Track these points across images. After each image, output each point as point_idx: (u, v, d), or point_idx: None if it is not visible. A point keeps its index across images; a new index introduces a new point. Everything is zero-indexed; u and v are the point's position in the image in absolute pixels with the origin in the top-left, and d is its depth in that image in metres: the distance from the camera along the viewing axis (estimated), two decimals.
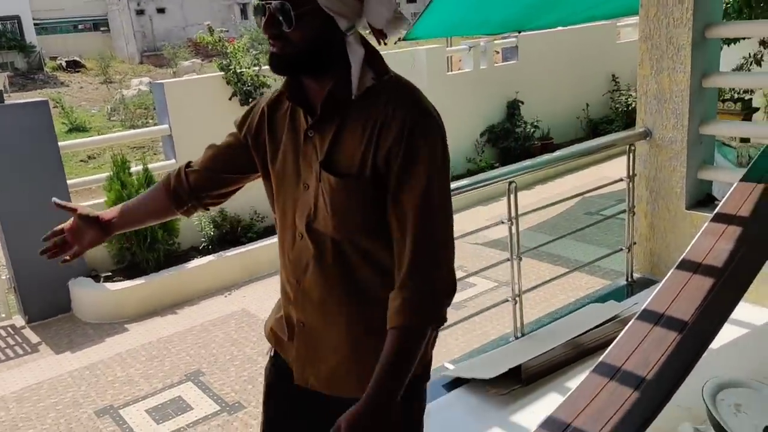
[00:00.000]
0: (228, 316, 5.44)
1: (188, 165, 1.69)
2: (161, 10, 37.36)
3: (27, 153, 5.42)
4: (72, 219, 1.63)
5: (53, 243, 1.62)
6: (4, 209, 5.35)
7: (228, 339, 5.01)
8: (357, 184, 1.34)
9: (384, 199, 1.34)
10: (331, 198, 1.36)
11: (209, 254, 6.15)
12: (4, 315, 5.70)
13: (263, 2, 1.33)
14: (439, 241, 1.34)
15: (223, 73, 6.72)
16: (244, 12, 35.45)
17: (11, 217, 5.35)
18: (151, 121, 17.49)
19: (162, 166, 6.41)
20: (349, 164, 1.35)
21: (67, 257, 1.62)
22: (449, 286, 1.36)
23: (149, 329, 5.27)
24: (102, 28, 39.15)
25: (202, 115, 6.43)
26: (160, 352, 4.80)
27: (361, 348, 1.42)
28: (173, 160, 6.38)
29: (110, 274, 5.84)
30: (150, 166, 6.14)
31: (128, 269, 5.87)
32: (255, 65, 6.77)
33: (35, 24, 31.90)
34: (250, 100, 6.47)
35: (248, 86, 6.67)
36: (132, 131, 10.39)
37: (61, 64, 30.36)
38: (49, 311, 5.59)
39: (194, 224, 6.21)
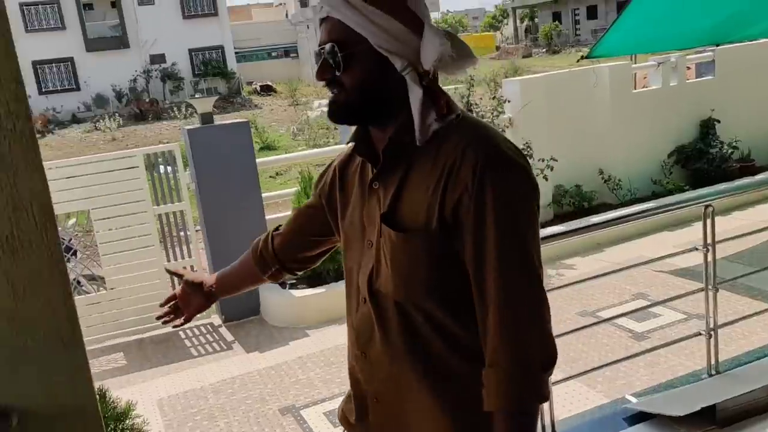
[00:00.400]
0: None
1: (276, 229, 1.65)
2: None
3: (230, 168, 5.99)
4: (181, 286, 1.71)
5: (168, 309, 1.72)
6: (209, 218, 5.95)
7: None
8: (421, 240, 1.20)
9: (454, 258, 1.20)
10: (392, 255, 1.23)
11: None
12: (205, 313, 6.33)
13: (317, 48, 1.27)
14: (527, 308, 1.16)
15: None
16: None
17: (215, 226, 5.93)
18: (332, 140, 18.58)
19: None
20: (413, 217, 1.21)
21: (179, 322, 1.71)
22: (547, 359, 1.16)
23: (327, 336, 5.56)
24: (292, 55, 42.40)
25: None
26: (337, 359, 5.05)
27: (451, 427, 1.25)
28: None
29: (295, 281, 6.27)
30: None
31: (311, 278, 6.25)
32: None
33: (236, 53, 35.37)
34: None
35: None
36: (317, 150, 11.09)
37: (255, 88, 33.37)
38: (242, 313, 6.11)
39: None
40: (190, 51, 33.36)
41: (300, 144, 18.54)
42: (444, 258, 1.20)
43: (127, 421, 2.88)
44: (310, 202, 1.56)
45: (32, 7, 32.21)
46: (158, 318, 1.72)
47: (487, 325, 1.17)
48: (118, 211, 5.73)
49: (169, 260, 6.05)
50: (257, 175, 6.16)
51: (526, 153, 4.46)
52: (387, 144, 1.25)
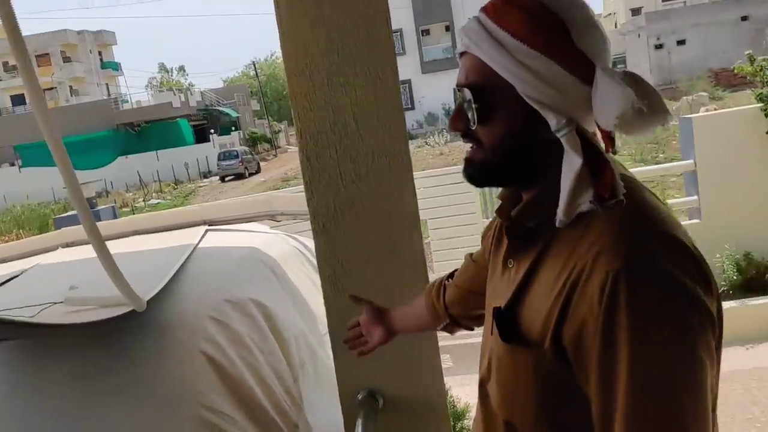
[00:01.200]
0: (748, 372, 4.90)
1: (451, 275, 1.45)
2: (681, 42, 36.44)
3: None
4: (365, 314, 1.62)
5: (354, 334, 1.64)
6: None
7: (748, 395, 4.51)
8: (528, 358, 0.94)
9: (573, 385, 0.91)
10: (498, 364, 1.01)
11: (729, 300, 5.67)
12: None
13: (456, 87, 1.01)
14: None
15: (762, 104, 6.13)
16: None
17: None
18: (661, 155, 17.21)
19: (683, 202, 6.26)
20: (527, 325, 0.95)
21: (363, 350, 1.61)
22: None
23: None
24: (619, 66, 40.39)
25: (730, 151, 6.01)
26: None
27: None
28: (695, 197, 6.13)
29: None
30: (670, 202, 6.05)
31: None
32: None
33: None
34: None
35: None
36: (654, 167, 10.34)
37: None
38: None
39: (715, 265, 5.82)
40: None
41: (625, 160, 17.59)
42: (559, 384, 0.93)
43: (465, 421, 3.04)
44: (477, 253, 1.37)
45: None
46: (344, 342, 1.66)
47: None
48: (450, 222, 6.16)
49: None
50: None
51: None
52: (517, 215, 1.00)
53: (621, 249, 0.86)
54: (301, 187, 2.08)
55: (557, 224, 0.92)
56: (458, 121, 1.00)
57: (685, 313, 0.84)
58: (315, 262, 3.04)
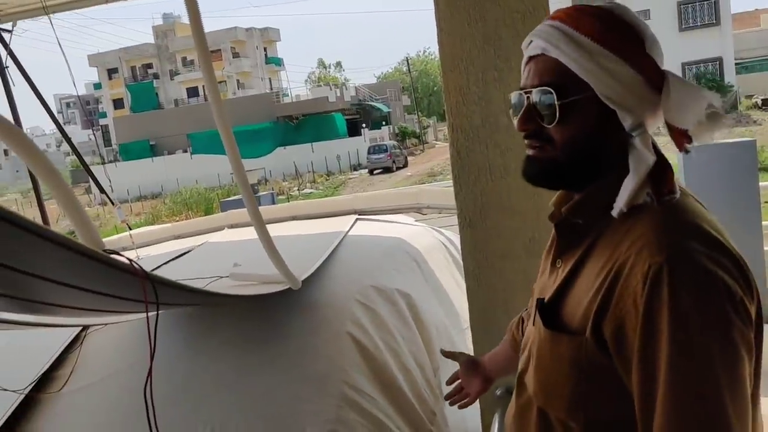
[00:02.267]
0: None
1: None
2: None
3: (726, 190, 5.53)
4: (460, 367, 1.58)
5: (455, 389, 1.59)
6: None
7: None
8: (568, 346, 0.96)
9: (612, 378, 0.92)
10: (538, 352, 1.04)
11: None
12: None
13: (520, 91, 1.02)
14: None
15: None
16: None
17: None
18: None
19: None
20: (570, 315, 0.98)
21: (465, 403, 1.56)
22: None
23: None
24: None
25: None
26: None
27: None
28: None
29: None
30: None
31: None
32: None
33: (736, 63, 32.29)
34: None
35: None
36: None
37: (756, 102, 29.84)
38: None
39: None
40: (684, 65, 31.89)
41: None
42: (595, 374, 0.95)
43: None
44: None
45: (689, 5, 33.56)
46: (446, 398, 1.63)
47: None
48: None
49: None
50: (758, 199, 5.52)
51: None
52: (570, 210, 1.03)
53: (663, 244, 0.88)
54: (448, 182, 2.11)
55: (614, 213, 0.96)
56: (528, 121, 1.01)
57: (725, 308, 0.85)
58: (458, 256, 3.08)
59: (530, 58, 1.03)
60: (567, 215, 1.04)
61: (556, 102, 0.97)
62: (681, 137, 0.98)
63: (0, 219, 0.89)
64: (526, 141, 1.04)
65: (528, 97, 1.00)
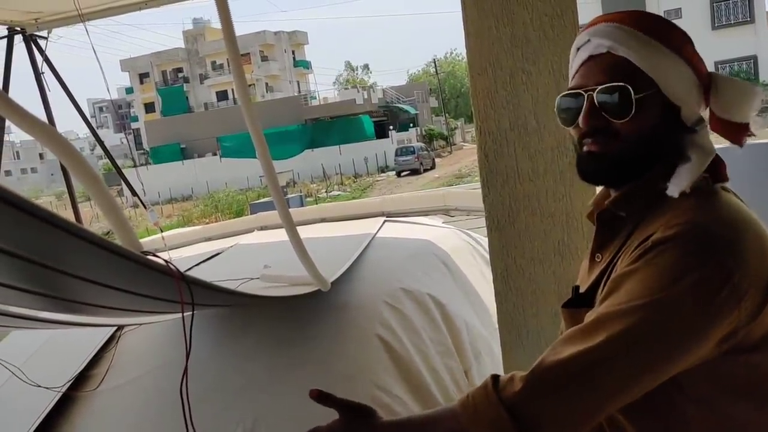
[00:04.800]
0: None
1: None
2: None
3: (753, 192, 5.42)
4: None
5: None
6: None
7: None
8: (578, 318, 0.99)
9: None
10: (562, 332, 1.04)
11: None
12: None
13: (581, 89, 1.04)
14: (587, 361, 0.89)
15: None
16: None
17: None
18: None
19: None
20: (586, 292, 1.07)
21: None
22: (520, 409, 0.90)
23: None
24: None
25: None
26: None
27: None
28: None
29: None
30: None
31: None
32: None
33: None
34: None
35: None
36: None
37: None
38: None
39: None
40: (717, 64, 31.32)
41: None
42: None
43: None
44: None
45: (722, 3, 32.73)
46: None
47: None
48: None
49: None
50: None
51: None
52: (606, 207, 1.07)
53: (681, 221, 0.93)
54: (475, 184, 2.12)
55: (671, 192, 0.98)
56: (596, 118, 1.03)
57: (711, 284, 0.87)
58: (486, 258, 3.07)
59: (591, 57, 1.06)
60: (611, 208, 1.07)
61: (633, 96, 0.99)
62: (739, 131, 1.02)
63: (41, 220, 0.93)
64: (586, 139, 1.05)
65: (591, 95, 1.03)
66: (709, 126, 1.05)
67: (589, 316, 0.94)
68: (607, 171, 1.06)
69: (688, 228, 0.92)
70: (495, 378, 0.95)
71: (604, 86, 1.01)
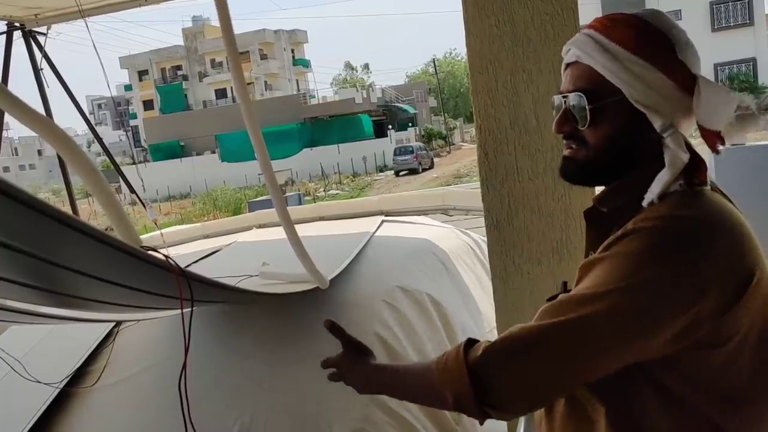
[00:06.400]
0: None
1: None
2: None
3: (755, 193, 5.43)
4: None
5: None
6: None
7: None
8: None
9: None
10: None
11: None
12: None
13: (560, 95, 1.08)
14: (537, 338, 0.95)
15: None
16: None
17: None
18: None
19: None
20: None
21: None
22: (481, 376, 0.96)
23: None
24: None
25: None
26: None
27: None
28: None
29: None
30: None
31: None
32: None
33: None
34: None
35: None
36: None
37: None
38: None
39: None
40: (716, 66, 31.38)
41: None
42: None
43: None
44: None
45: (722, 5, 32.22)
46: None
47: None
48: None
49: None
50: None
51: None
52: (592, 205, 1.10)
53: (650, 218, 0.95)
54: (474, 184, 2.12)
55: (644, 203, 1.00)
56: (564, 124, 1.07)
57: (672, 277, 0.90)
58: (484, 258, 3.07)
59: (567, 65, 1.10)
60: (595, 204, 1.10)
61: (587, 106, 1.03)
62: (713, 138, 1.02)
63: (42, 214, 0.93)
64: (564, 142, 1.10)
65: (565, 101, 1.07)
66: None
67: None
68: (580, 175, 1.10)
69: (658, 222, 0.94)
70: (469, 342, 1.00)
71: (570, 94, 1.06)
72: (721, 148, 1.02)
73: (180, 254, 3.35)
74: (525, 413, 1.06)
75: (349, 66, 65.63)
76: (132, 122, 49.66)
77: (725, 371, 0.95)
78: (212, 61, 49.75)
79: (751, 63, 31.40)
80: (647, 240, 0.93)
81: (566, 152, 1.10)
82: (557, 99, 1.10)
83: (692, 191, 1.00)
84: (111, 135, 51.16)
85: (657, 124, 1.01)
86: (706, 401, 0.95)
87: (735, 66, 31.55)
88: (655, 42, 1.03)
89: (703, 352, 0.93)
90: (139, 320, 2.36)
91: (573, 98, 1.05)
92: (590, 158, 1.06)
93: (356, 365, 1.18)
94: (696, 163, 1.02)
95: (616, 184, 1.08)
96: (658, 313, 0.91)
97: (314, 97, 45.47)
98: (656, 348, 0.92)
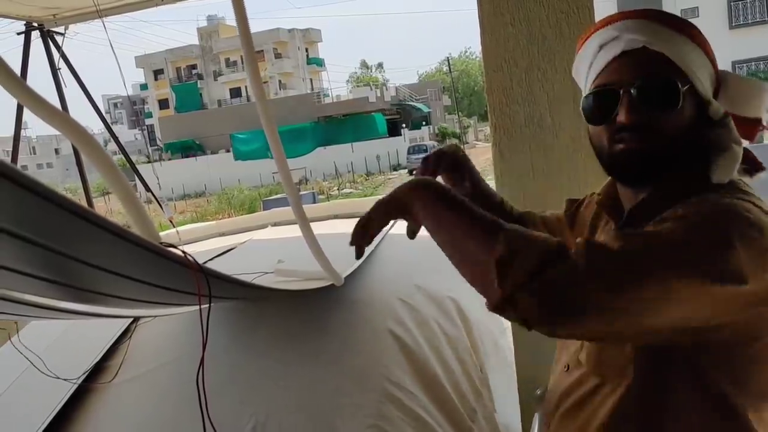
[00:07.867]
0: None
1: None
2: None
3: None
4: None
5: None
6: None
7: None
8: None
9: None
10: None
11: None
12: None
13: (609, 86, 1.03)
14: (590, 259, 0.89)
15: None
16: None
17: None
18: None
19: None
20: None
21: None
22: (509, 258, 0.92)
23: None
24: None
25: None
26: None
27: None
28: None
29: None
30: None
31: None
32: None
33: None
34: None
35: None
36: None
37: None
38: None
39: None
40: (734, 63, 31.05)
41: None
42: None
43: None
44: (558, 214, 1.47)
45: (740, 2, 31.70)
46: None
47: None
48: None
49: None
50: None
51: None
52: (639, 202, 1.07)
53: (707, 201, 0.94)
54: (488, 182, 2.12)
55: (718, 179, 1.00)
56: (636, 113, 1.01)
57: (716, 252, 0.86)
58: None
59: (624, 53, 1.03)
60: (636, 214, 1.06)
61: (681, 88, 1.00)
62: (752, 127, 1.04)
63: (61, 208, 0.94)
64: (621, 135, 1.03)
65: (630, 90, 1.01)
66: None
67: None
68: (643, 167, 1.04)
69: (715, 204, 0.94)
70: (560, 246, 0.94)
71: (649, 79, 1.00)
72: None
73: (196, 251, 3.38)
74: (585, 330, 0.98)
75: (363, 65, 65.66)
76: (147, 121, 50.02)
77: (762, 365, 0.94)
78: (227, 60, 49.98)
79: None
80: (729, 213, 0.91)
81: (632, 144, 1.02)
82: (600, 93, 1.05)
83: (742, 183, 1.02)
84: (127, 134, 51.55)
85: (719, 113, 1.02)
86: (738, 393, 0.94)
87: (753, 63, 31.23)
88: (702, 34, 1.05)
89: (741, 342, 0.93)
90: (156, 316, 2.38)
91: (652, 84, 1.00)
92: (667, 147, 1.01)
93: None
94: (747, 152, 1.04)
95: (659, 192, 1.04)
96: (751, 264, 0.86)
97: (328, 95, 45.51)
98: (735, 306, 0.88)
